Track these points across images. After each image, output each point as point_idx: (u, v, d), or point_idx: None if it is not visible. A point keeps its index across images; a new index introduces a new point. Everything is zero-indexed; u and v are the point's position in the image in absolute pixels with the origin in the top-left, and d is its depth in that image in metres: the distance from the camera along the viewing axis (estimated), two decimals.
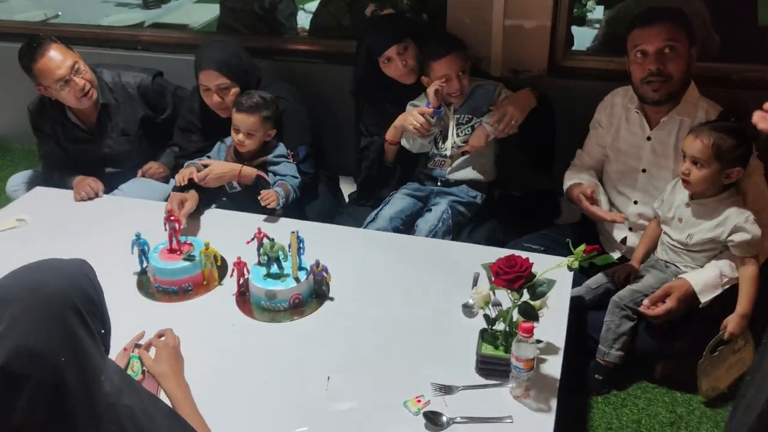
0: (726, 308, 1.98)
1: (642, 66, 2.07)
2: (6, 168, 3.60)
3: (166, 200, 2.38)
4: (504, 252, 1.84)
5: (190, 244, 2.02)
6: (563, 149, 2.45)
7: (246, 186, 2.38)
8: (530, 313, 1.52)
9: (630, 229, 2.25)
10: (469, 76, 2.39)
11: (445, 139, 2.42)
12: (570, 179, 2.30)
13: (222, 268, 2.03)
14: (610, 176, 2.32)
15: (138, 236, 1.99)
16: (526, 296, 1.55)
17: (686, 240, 2.03)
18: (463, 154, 2.44)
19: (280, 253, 1.89)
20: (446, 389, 1.57)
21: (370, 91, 2.56)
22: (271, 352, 1.74)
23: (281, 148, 2.42)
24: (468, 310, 1.83)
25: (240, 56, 2.47)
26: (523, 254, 1.59)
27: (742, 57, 2.59)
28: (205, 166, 2.34)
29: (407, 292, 1.94)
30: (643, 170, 2.21)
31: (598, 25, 3.70)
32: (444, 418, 1.49)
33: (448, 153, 2.42)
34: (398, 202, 2.44)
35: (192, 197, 2.29)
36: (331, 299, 1.92)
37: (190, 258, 1.97)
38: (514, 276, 1.50)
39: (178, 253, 1.99)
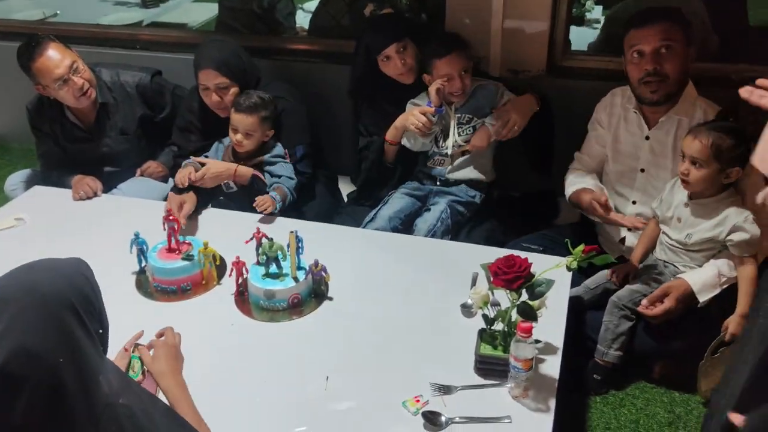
0: (725, 308, 1.98)
1: (639, 66, 2.07)
2: (4, 167, 3.59)
3: (164, 200, 2.39)
4: (503, 252, 1.84)
5: (189, 244, 2.02)
6: (562, 149, 2.45)
7: (242, 186, 2.38)
8: (529, 313, 1.52)
9: (629, 229, 2.25)
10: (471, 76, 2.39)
11: (445, 137, 2.42)
12: (573, 184, 2.27)
13: (221, 268, 2.03)
14: (608, 176, 2.32)
15: (137, 235, 1.99)
16: (524, 296, 1.55)
17: (685, 240, 2.03)
18: (463, 153, 2.44)
19: (279, 252, 1.88)
20: (445, 389, 1.57)
21: (368, 90, 2.56)
22: (269, 351, 1.74)
23: (279, 149, 2.42)
24: (467, 310, 1.83)
25: (239, 56, 2.47)
26: (522, 254, 1.59)
27: (734, 57, 2.58)
28: (202, 164, 2.34)
29: (406, 292, 1.94)
30: (642, 170, 2.21)
31: (597, 25, 3.71)
32: (443, 418, 1.49)
33: (450, 152, 2.42)
34: (397, 201, 2.44)
35: (190, 199, 2.29)
36: (330, 299, 1.92)
37: (188, 257, 1.97)
38: (513, 276, 1.50)
39: (177, 252, 1.99)
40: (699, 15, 2.75)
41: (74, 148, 2.69)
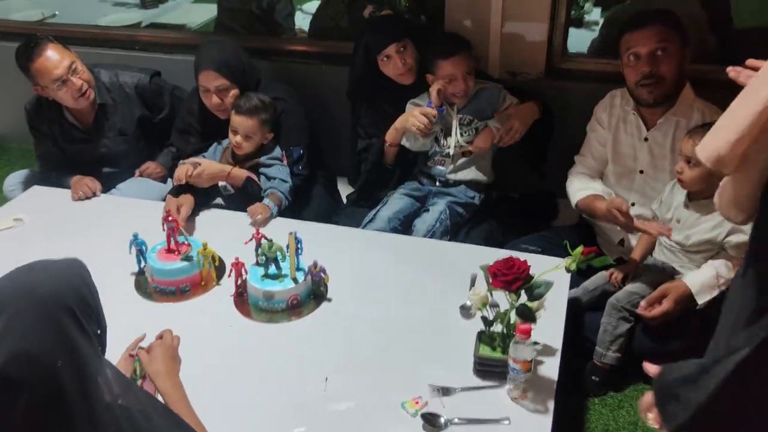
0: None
1: (635, 69, 2.08)
2: (3, 167, 3.59)
3: (163, 200, 2.39)
4: (501, 253, 1.85)
5: (188, 245, 2.02)
6: (560, 151, 2.45)
7: (237, 188, 2.38)
8: (528, 315, 1.52)
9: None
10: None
11: (446, 137, 2.42)
12: (580, 190, 2.25)
13: (220, 269, 2.03)
14: (607, 178, 2.32)
15: (136, 236, 1.99)
16: (523, 298, 1.55)
17: (684, 241, 2.03)
18: (463, 154, 2.44)
19: (278, 253, 1.88)
20: (444, 390, 1.58)
21: (367, 91, 2.56)
22: (269, 352, 1.74)
23: (276, 151, 2.42)
24: (465, 311, 1.83)
25: (240, 57, 2.47)
26: (521, 255, 1.59)
27: (718, 59, 2.59)
28: (198, 164, 2.34)
29: (405, 293, 1.94)
30: (641, 171, 2.22)
31: (595, 27, 3.71)
32: (442, 420, 1.49)
33: (451, 152, 2.42)
34: (396, 202, 2.44)
35: (187, 202, 2.29)
36: (329, 300, 1.92)
37: (188, 258, 1.97)
38: (512, 278, 1.51)
39: (176, 253, 1.99)
40: (695, 17, 2.76)
41: (73, 149, 2.69)
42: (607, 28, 3.20)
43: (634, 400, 2.14)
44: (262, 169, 2.40)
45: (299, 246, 1.90)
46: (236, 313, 1.89)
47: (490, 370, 1.60)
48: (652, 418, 1.07)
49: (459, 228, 2.41)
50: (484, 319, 1.62)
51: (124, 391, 1.08)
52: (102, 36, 3.45)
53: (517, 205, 2.67)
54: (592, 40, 3.31)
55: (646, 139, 2.19)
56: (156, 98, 2.75)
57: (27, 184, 2.72)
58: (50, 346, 0.97)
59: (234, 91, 2.40)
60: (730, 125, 1.00)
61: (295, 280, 1.87)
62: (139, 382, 1.47)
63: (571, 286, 1.99)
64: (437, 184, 2.49)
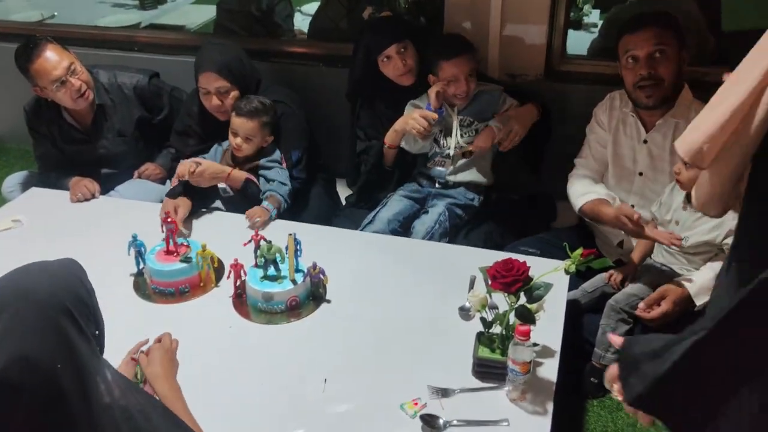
0: None
1: (633, 71, 2.08)
2: (2, 168, 3.59)
3: (162, 202, 2.39)
4: (500, 255, 1.84)
5: (187, 246, 2.02)
6: (559, 153, 2.45)
7: (236, 190, 2.38)
8: (527, 317, 1.52)
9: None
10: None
11: (446, 137, 2.43)
12: (584, 194, 2.23)
13: (219, 270, 2.03)
14: (606, 180, 2.32)
15: (134, 237, 1.99)
16: (522, 299, 1.55)
17: (682, 242, 2.03)
18: (464, 155, 2.44)
19: (278, 255, 1.88)
20: (443, 392, 1.57)
21: (367, 92, 2.56)
22: (267, 354, 1.74)
23: (276, 154, 2.43)
24: (465, 313, 1.83)
25: (241, 59, 2.47)
26: (520, 257, 1.59)
27: (706, 62, 2.59)
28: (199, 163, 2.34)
29: (404, 295, 1.94)
30: (640, 173, 2.22)
31: (594, 29, 3.72)
32: (441, 421, 1.49)
33: (451, 153, 2.42)
34: (396, 204, 2.44)
35: (184, 204, 2.29)
36: (328, 301, 1.92)
37: (186, 260, 1.97)
38: (511, 279, 1.51)
39: (175, 254, 1.99)
40: (693, 18, 2.77)
41: (72, 150, 2.69)
42: (607, 28, 3.21)
43: None
44: (261, 172, 2.40)
45: (298, 247, 1.90)
46: (235, 314, 1.88)
47: (489, 371, 1.60)
48: (616, 390, 1.09)
49: (458, 230, 2.41)
50: (483, 320, 1.62)
51: (123, 391, 1.08)
52: (101, 37, 3.45)
53: (516, 207, 2.66)
54: (593, 40, 3.32)
55: (645, 141, 2.19)
56: (155, 99, 2.75)
57: (26, 185, 2.72)
58: (49, 348, 0.97)
59: (234, 93, 2.41)
60: (710, 120, 1.01)
61: (294, 281, 1.87)
62: (141, 386, 1.46)
63: (570, 288, 1.99)
64: (437, 185, 2.49)
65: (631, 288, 2.10)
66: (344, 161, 2.75)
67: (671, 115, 2.13)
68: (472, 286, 1.87)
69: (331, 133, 2.79)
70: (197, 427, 1.36)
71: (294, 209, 2.42)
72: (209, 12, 4.39)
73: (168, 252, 2.00)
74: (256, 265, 1.93)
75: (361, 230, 2.36)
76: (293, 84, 2.72)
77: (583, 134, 2.35)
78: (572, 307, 2.01)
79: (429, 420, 1.50)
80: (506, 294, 1.54)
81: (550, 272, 1.56)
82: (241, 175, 2.36)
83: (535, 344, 1.59)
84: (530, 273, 1.54)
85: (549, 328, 1.69)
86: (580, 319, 2.17)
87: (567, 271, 1.58)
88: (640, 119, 2.19)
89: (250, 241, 1.96)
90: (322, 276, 1.90)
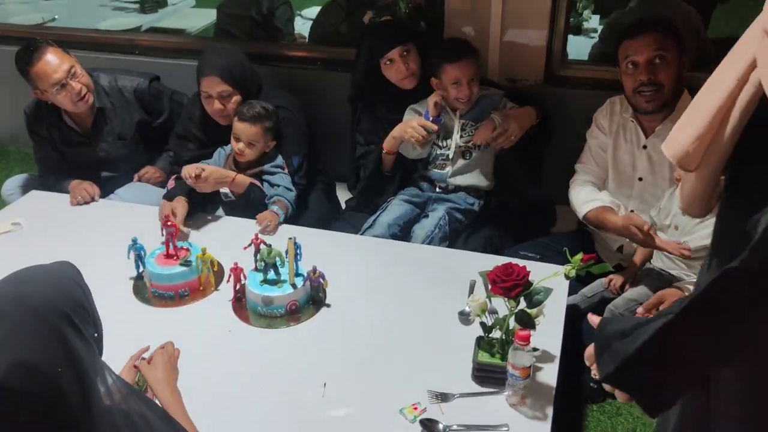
0: None
1: (633, 76, 2.09)
2: (1, 171, 3.59)
3: None
4: (500, 260, 1.84)
5: (187, 250, 2.02)
6: (559, 157, 2.45)
7: (239, 195, 2.38)
8: (527, 321, 1.52)
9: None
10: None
11: (446, 139, 2.43)
12: (588, 202, 2.22)
13: (218, 274, 2.03)
14: (606, 185, 2.32)
15: (134, 241, 1.99)
16: (522, 304, 1.55)
17: None
18: (463, 156, 2.44)
19: (277, 259, 1.88)
20: (442, 397, 1.57)
21: (369, 96, 2.57)
22: (267, 358, 1.74)
23: (279, 159, 2.43)
24: (464, 317, 1.83)
25: (242, 64, 2.47)
26: (520, 262, 1.60)
27: (691, 68, 2.61)
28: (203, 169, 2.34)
29: (404, 299, 1.94)
30: (640, 179, 2.22)
31: (594, 34, 3.72)
32: (440, 426, 1.49)
33: (451, 154, 2.42)
34: (396, 208, 2.44)
35: (181, 206, 2.29)
36: (328, 306, 1.92)
37: (186, 263, 1.97)
38: (511, 284, 1.51)
39: (175, 258, 1.99)
40: (693, 24, 2.77)
41: (72, 153, 2.69)
42: (607, 34, 3.21)
43: (632, 407, 2.14)
44: (265, 177, 2.40)
45: (298, 251, 1.90)
46: (235, 318, 1.88)
47: (488, 376, 1.60)
48: (594, 368, 1.12)
49: (458, 234, 2.41)
50: (483, 325, 1.62)
51: (124, 395, 1.08)
52: (101, 40, 3.46)
53: (516, 212, 2.66)
54: (593, 45, 3.33)
55: (644, 147, 2.19)
56: (155, 102, 2.75)
57: (25, 188, 2.72)
58: (50, 354, 0.97)
59: (236, 98, 2.41)
60: (694, 122, 1.02)
61: (294, 285, 1.87)
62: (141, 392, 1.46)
63: (570, 293, 1.99)
64: (437, 189, 2.49)
65: (631, 293, 2.10)
66: (345, 165, 2.75)
67: (671, 120, 2.13)
68: (471, 290, 1.87)
69: (332, 137, 2.79)
70: None
71: (294, 213, 2.42)
72: (210, 16, 4.40)
73: (168, 255, 2.00)
74: (256, 269, 1.93)
75: (361, 234, 2.36)
76: (293, 88, 2.73)
77: (583, 139, 2.35)
78: (572, 311, 2.01)
79: (428, 425, 1.49)
80: (506, 299, 1.54)
81: (549, 277, 1.56)
82: (245, 180, 2.36)
83: (534, 349, 1.59)
84: (530, 278, 1.54)
85: (549, 332, 1.69)
86: (579, 324, 2.16)
87: (567, 276, 1.59)
88: (640, 125, 2.19)
89: (250, 245, 1.96)
90: (322, 280, 1.89)
